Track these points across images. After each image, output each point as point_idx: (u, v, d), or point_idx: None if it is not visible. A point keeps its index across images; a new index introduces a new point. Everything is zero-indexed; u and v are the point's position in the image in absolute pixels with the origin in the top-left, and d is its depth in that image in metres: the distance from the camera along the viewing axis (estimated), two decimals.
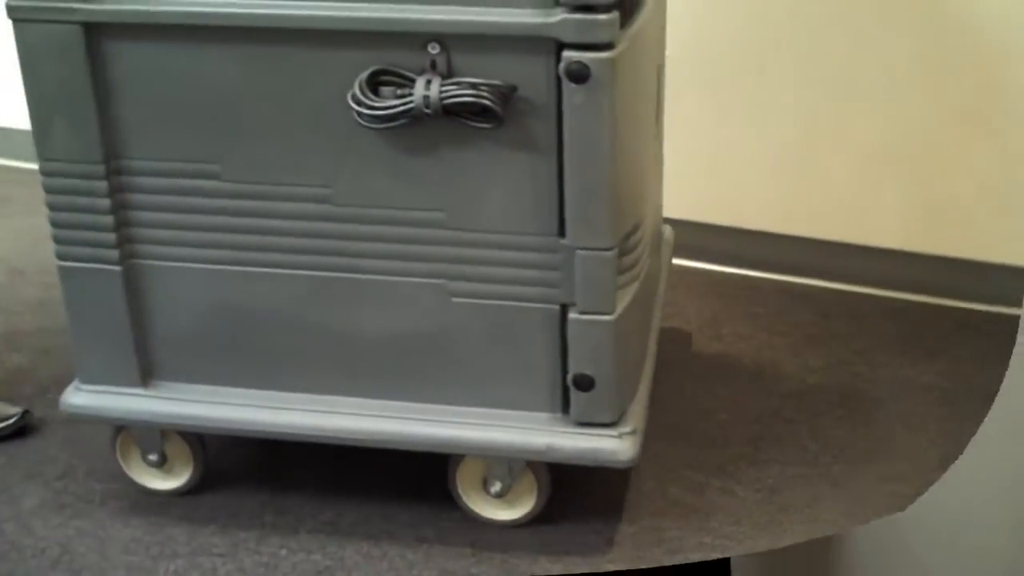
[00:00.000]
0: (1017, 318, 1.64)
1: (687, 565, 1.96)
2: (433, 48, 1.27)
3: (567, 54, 1.24)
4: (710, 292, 2.01)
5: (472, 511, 1.46)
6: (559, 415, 1.40)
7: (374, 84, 1.29)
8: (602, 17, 1.23)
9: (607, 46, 1.25)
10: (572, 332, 1.36)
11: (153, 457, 1.50)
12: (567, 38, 1.24)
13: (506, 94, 1.27)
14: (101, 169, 1.37)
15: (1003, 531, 1.86)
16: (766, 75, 2.01)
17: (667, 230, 1.72)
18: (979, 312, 1.90)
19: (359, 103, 1.29)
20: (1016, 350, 1.52)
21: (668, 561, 1.43)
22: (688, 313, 1.92)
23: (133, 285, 1.42)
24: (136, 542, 1.47)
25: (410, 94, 1.27)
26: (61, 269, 1.42)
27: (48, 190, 1.39)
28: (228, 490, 1.53)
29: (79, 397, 1.47)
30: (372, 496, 1.52)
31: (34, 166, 2.40)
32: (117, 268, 1.40)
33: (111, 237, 1.39)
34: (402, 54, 1.28)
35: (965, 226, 1.98)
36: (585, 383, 1.37)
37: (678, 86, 1.69)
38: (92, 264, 1.41)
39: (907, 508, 1.55)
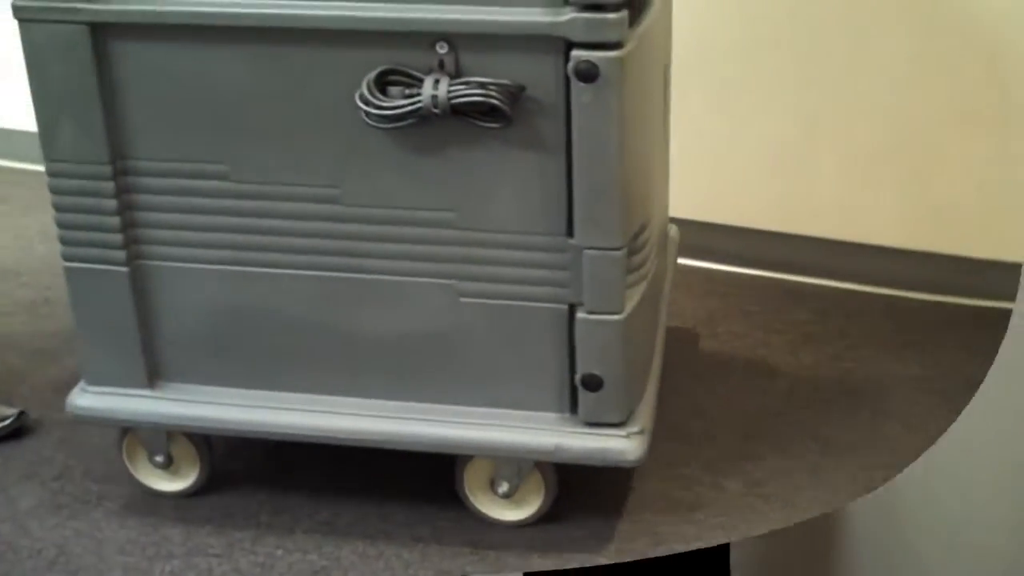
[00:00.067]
0: (1008, 312, 1.65)
1: (685, 555, 1.97)
2: (441, 48, 1.27)
3: (576, 53, 1.24)
4: (707, 290, 2.02)
5: (479, 511, 1.46)
6: (567, 415, 1.40)
7: (382, 84, 1.28)
8: (611, 16, 1.23)
9: (616, 45, 1.24)
10: (580, 332, 1.35)
11: (159, 459, 1.49)
12: (576, 37, 1.24)
13: (514, 93, 1.27)
14: (108, 170, 1.36)
15: (1003, 531, 1.86)
16: (763, 74, 2.01)
17: (672, 229, 1.72)
18: (969, 306, 1.91)
19: (367, 103, 1.28)
20: (1011, 326, 1.55)
21: (651, 553, 1.44)
22: (685, 312, 1.92)
23: (140, 286, 1.41)
24: (132, 543, 1.46)
25: (418, 94, 1.27)
26: (67, 270, 1.41)
27: (54, 191, 1.38)
28: (224, 491, 1.53)
29: (85, 399, 1.46)
30: (369, 496, 1.51)
31: (28, 166, 2.43)
32: (124, 269, 1.40)
33: (118, 238, 1.39)
34: (410, 54, 1.28)
35: (962, 224, 1.98)
36: (594, 383, 1.37)
37: (675, 85, 1.69)
38: (98, 265, 1.40)
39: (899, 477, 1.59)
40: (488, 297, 1.36)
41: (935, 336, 1.84)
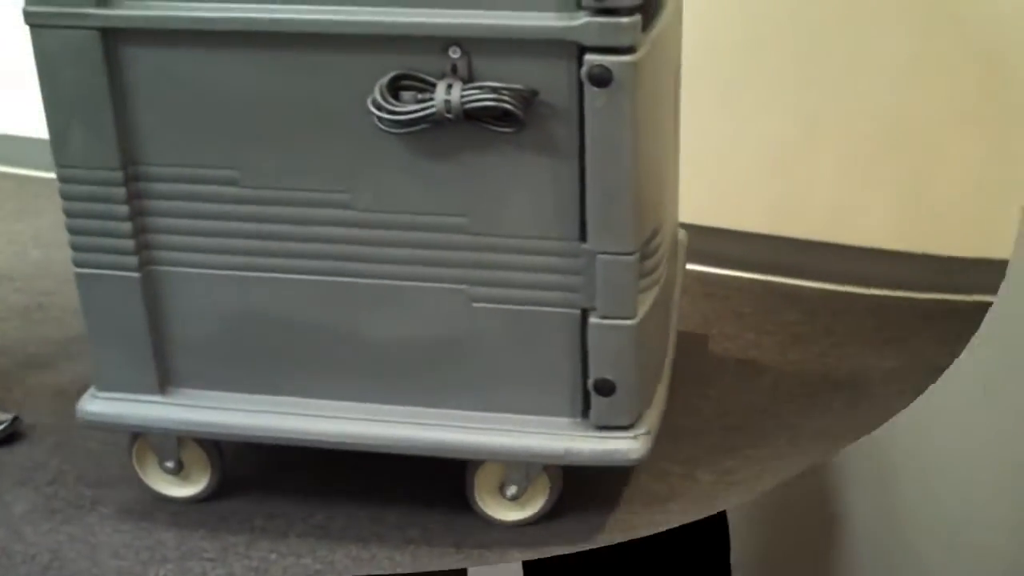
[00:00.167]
0: (985, 305, 1.67)
1: (685, 555, 1.97)
2: (454, 52, 1.27)
3: (589, 57, 1.24)
4: (701, 293, 2.02)
5: (486, 514, 1.46)
6: (578, 419, 1.40)
7: (395, 89, 1.28)
8: (625, 20, 1.23)
9: (629, 49, 1.24)
10: (593, 337, 1.35)
11: (170, 464, 1.49)
12: (589, 41, 1.24)
13: (527, 98, 1.27)
14: (119, 175, 1.35)
15: (1003, 531, 1.88)
16: (760, 77, 2.02)
17: (681, 233, 1.72)
18: (946, 301, 1.93)
19: (380, 108, 1.28)
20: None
21: (621, 537, 1.44)
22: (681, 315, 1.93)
23: (151, 291, 1.40)
24: (126, 547, 1.45)
25: (431, 99, 1.27)
26: (78, 276, 1.41)
27: (65, 196, 1.38)
28: (219, 495, 1.52)
29: (96, 404, 1.46)
30: (362, 499, 1.51)
31: (23, 171, 2.42)
32: (135, 275, 1.39)
33: (129, 244, 1.38)
34: (423, 58, 1.27)
35: (955, 225, 1.99)
36: (606, 388, 1.37)
37: None
38: (109, 271, 1.39)
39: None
40: (500, 302, 1.36)
41: (913, 330, 1.86)
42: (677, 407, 1.67)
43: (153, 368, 1.43)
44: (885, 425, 1.64)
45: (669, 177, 1.50)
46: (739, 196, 2.09)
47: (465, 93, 1.26)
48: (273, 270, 1.38)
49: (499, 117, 1.27)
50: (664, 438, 1.54)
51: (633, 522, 1.47)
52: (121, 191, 1.36)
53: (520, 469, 1.43)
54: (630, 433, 1.39)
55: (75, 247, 1.40)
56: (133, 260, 1.39)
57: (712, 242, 2.09)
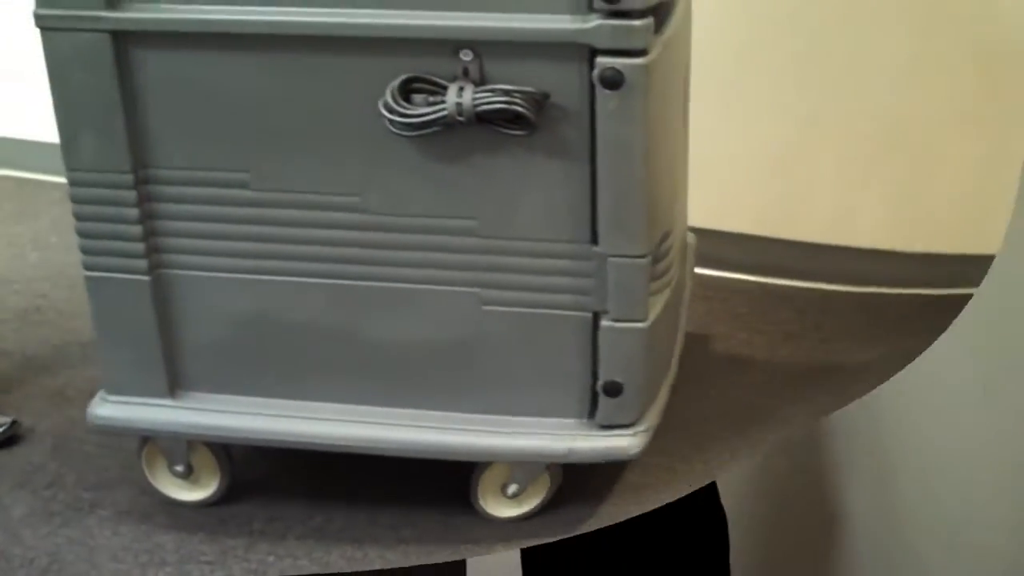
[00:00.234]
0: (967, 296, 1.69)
1: (685, 555, 1.98)
2: (465, 55, 1.27)
3: (601, 60, 1.24)
4: (698, 296, 2.03)
5: (486, 512, 1.46)
6: (584, 420, 1.41)
7: (406, 92, 1.28)
8: (637, 23, 1.23)
9: (641, 52, 1.24)
10: (604, 340, 1.36)
11: (179, 468, 1.48)
12: (602, 44, 1.24)
13: (539, 101, 1.26)
14: (129, 179, 1.35)
15: (1003, 531, 1.89)
16: (757, 79, 2.02)
17: (690, 236, 1.73)
18: (931, 295, 1.94)
19: (391, 111, 1.28)
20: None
21: (596, 524, 1.44)
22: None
23: (161, 295, 1.40)
24: (125, 550, 1.45)
25: (442, 101, 1.27)
26: (88, 279, 1.40)
27: (76, 200, 1.37)
28: (219, 498, 1.52)
29: (106, 408, 1.46)
30: (361, 500, 1.51)
31: (21, 173, 2.41)
32: (145, 278, 1.39)
33: (139, 247, 1.38)
34: (434, 61, 1.27)
35: (949, 224, 2.00)
36: (615, 390, 1.37)
37: None
38: (120, 274, 1.39)
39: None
40: (511, 305, 1.36)
41: (899, 324, 1.86)
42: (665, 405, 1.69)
43: (163, 371, 1.43)
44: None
45: (680, 179, 1.51)
46: (736, 198, 2.10)
47: (477, 96, 1.26)
48: (283, 273, 1.38)
49: (510, 120, 1.27)
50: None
51: (611, 512, 1.48)
52: (132, 194, 1.35)
53: (525, 469, 1.43)
54: (630, 431, 1.40)
55: (85, 250, 1.39)
56: (143, 263, 1.38)
57: (711, 244, 2.09)
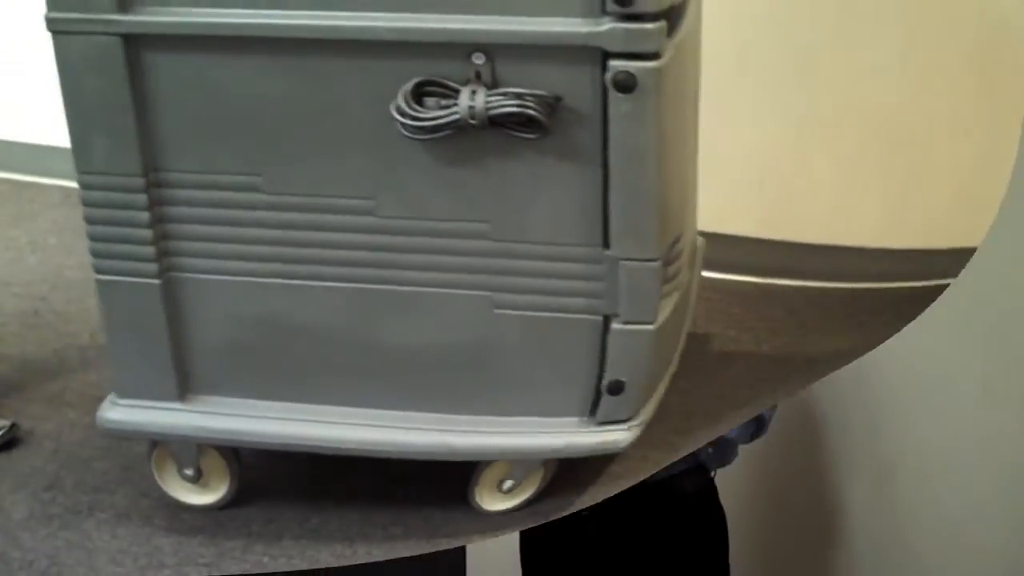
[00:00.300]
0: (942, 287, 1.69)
1: (685, 554, 1.99)
2: (478, 58, 1.26)
3: (614, 63, 1.24)
4: (697, 296, 2.04)
5: (480, 507, 1.47)
6: (586, 418, 1.41)
7: (418, 95, 1.28)
8: (650, 26, 1.23)
9: (654, 55, 1.24)
10: (613, 342, 1.36)
11: (189, 472, 1.48)
12: (614, 47, 1.23)
13: (551, 104, 1.26)
14: (140, 182, 1.35)
15: (1003, 531, 1.90)
16: (754, 80, 2.03)
17: (700, 240, 1.73)
18: (923, 288, 1.96)
19: (404, 114, 1.27)
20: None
21: (570, 509, 1.46)
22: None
23: (172, 298, 1.40)
24: (123, 553, 1.45)
25: (455, 105, 1.26)
26: (99, 283, 1.40)
27: (87, 203, 1.37)
28: (227, 502, 1.53)
29: (116, 412, 1.45)
30: (359, 501, 1.52)
31: (20, 176, 2.41)
32: (156, 281, 1.38)
33: (150, 250, 1.37)
34: (447, 64, 1.27)
35: (941, 222, 2.01)
36: (617, 388, 1.38)
37: None
38: (130, 278, 1.39)
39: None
40: (523, 308, 1.36)
41: (878, 316, 1.88)
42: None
43: (173, 375, 1.43)
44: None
45: (690, 183, 1.51)
46: (732, 201, 2.10)
47: (489, 99, 1.26)
48: (295, 277, 1.37)
49: (523, 123, 1.27)
50: None
51: (582, 499, 1.50)
52: (142, 197, 1.35)
53: (523, 464, 1.44)
54: (625, 425, 1.41)
55: (96, 254, 1.39)
56: (154, 267, 1.38)
57: (709, 246, 2.10)
